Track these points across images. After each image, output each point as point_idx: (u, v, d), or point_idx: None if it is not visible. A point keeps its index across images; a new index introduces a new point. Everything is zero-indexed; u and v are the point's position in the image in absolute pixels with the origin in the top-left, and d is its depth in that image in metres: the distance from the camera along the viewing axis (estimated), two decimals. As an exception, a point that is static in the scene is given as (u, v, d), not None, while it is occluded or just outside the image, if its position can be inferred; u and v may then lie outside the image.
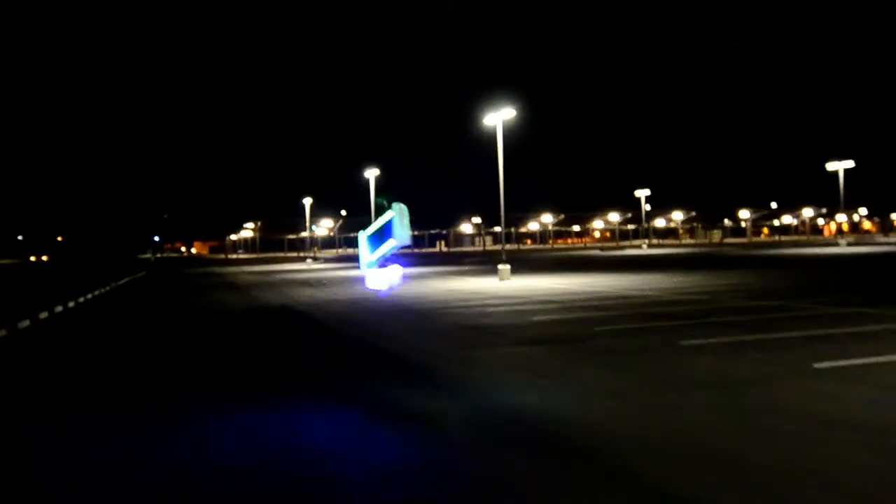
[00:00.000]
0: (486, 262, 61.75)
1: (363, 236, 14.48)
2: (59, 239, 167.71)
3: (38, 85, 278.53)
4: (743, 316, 18.47)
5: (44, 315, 23.53)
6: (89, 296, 33.31)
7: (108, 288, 40.30)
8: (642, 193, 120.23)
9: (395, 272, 12.90)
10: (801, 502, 6.11)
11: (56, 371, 13.92)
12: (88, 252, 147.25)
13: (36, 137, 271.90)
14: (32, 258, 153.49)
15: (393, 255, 12.62)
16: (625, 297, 24.74)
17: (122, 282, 48.00)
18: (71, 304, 28.30)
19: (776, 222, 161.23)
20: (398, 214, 13.23)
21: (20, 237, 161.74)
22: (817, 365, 11.44)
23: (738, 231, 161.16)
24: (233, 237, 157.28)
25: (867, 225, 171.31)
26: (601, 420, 8.75)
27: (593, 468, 7.04)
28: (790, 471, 6.80)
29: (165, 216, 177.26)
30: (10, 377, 13.53)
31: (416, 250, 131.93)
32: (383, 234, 12.70)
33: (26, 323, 21.07)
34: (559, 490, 6.50)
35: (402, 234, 12.63)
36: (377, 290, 13.07)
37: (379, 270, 13.05)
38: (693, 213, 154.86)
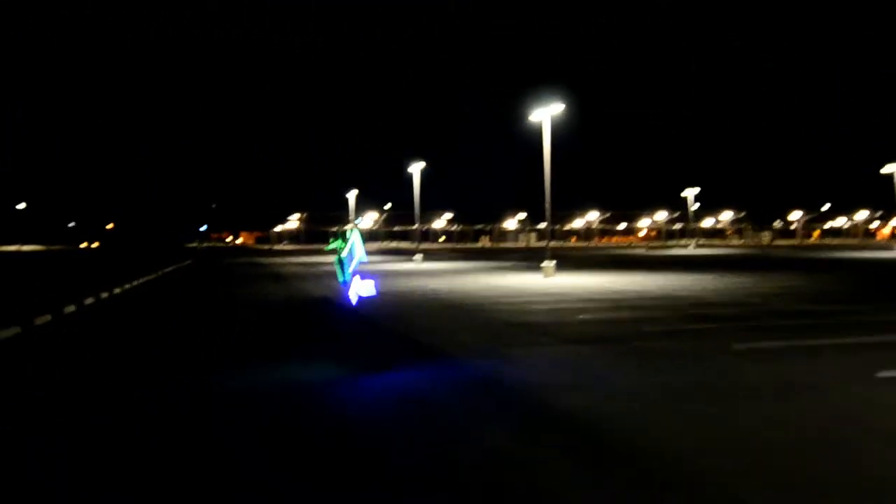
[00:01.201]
0: (529, 259, 61.26)
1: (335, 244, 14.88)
2: (110, 227, 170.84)
3: (92, 71, 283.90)
4: (797, 320, 17.86)
5: (90, 301, 23.73)
6: (135, 283, 33.64)
7: (154, 276, 40.72)
8: (690, 192, 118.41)
9: (369, 287, 13.67)
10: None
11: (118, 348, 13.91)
12: (137, 240, 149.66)
13: (89, 125, 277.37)
14: (83, 245, 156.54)
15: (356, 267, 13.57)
16: (673, 298, 24.17)
17: (168, 270, 48.53)
18: (117, 291, 28.56)
19: (828, 224, 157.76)
20: (359, 237, 14.09)
21: (71, 224, 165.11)
22: (880, 374, 10.89)
23: (788, 233, 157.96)
24: (278, 228, 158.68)
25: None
26: (652, 425, 8.36)
27: (639, 470, 6.69)
28: (848, 482, 6.39)
29: (213, 206, 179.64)
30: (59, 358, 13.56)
31: (458, 245, 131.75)
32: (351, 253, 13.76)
33: (72, 308, 21.25)
34: (595, 494, 6.16)
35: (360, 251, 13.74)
36: (364, 297, 13.70)
37: (354, 284, 13.91)
38: (742, 214, 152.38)
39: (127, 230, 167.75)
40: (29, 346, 15.18)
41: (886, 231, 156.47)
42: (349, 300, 13.74)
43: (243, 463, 7.29)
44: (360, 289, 13.88)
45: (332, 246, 13.68)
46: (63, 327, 18.07)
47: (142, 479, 6.85)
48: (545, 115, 38.28)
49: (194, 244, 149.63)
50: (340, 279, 14.34)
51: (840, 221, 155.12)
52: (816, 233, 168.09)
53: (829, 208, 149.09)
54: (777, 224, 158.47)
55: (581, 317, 19.03)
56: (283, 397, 10.17)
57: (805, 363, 12.05)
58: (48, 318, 18.83)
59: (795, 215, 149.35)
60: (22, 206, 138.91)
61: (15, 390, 10.98)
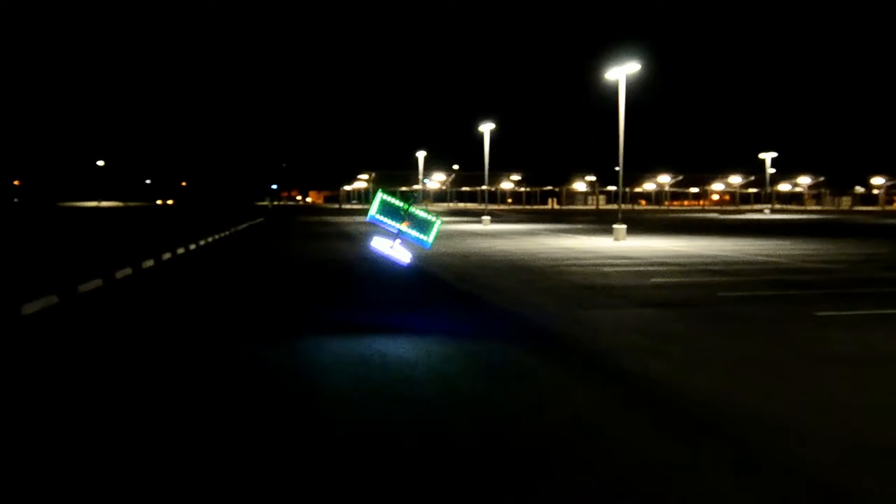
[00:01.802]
0: (599, 222, 60.50)
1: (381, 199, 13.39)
2: (184, 184, 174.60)
3: (164, 29, 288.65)
4: (882, 288, 17.20)
5: (167, 256, 24.27)
6: (210, 239, 34.30)
7: (227, 233, 41.47)
8: (767, 156, 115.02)
9: (404, 255, 12.74)
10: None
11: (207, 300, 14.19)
12: (210, 198, 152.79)
13: (165, 84, 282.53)
14: (159, 202, 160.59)
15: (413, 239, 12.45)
16: (749, 263, 23.53)
17: (241, 227, 49.36)
18: (192, 247, 29.15)
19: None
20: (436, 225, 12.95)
21: (148, 181, 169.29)
22: (976, 345, 10.40)
23: (869, 198, 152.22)
24: (346, 187, 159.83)
25: None
26: (731, 393, 8.12)
27: (719, 442, 6.49)
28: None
29: (284, 165, 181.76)
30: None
31: (526, 207, 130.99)
32: (421, 225, 12.40)
33: (150, 263, 21.76)
34: (696, 479, 5.99)
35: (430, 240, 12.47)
36: (404, 265, 12.95)
37: (391, 241, 12.84)
38: (821, 179, 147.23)
39: (200, 188, 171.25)
40: (112, 296, 15.58)
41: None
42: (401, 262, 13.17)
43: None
44: (392, 251, 13.21)
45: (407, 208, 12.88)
46: (140, 281, 18.51)
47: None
48: (621, 74, 37.38)
49: (265, 202, 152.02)
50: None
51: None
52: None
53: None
54: (858, 189, 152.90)
55: (654, 280, 18.68)
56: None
57: (891, 332, 11.57)
58: (129, 271, 19.31)
59: (877, 181, 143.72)
60: (101, 163, 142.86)
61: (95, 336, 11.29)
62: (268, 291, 17.17)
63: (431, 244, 12.76)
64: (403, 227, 12.35)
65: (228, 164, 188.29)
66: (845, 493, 5.51)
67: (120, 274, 18.60)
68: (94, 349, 10.54)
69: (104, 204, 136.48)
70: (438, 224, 12.44)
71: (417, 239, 12.37)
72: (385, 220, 12.35)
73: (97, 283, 16.77)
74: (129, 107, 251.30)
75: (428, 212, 12.95)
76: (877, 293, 16.26)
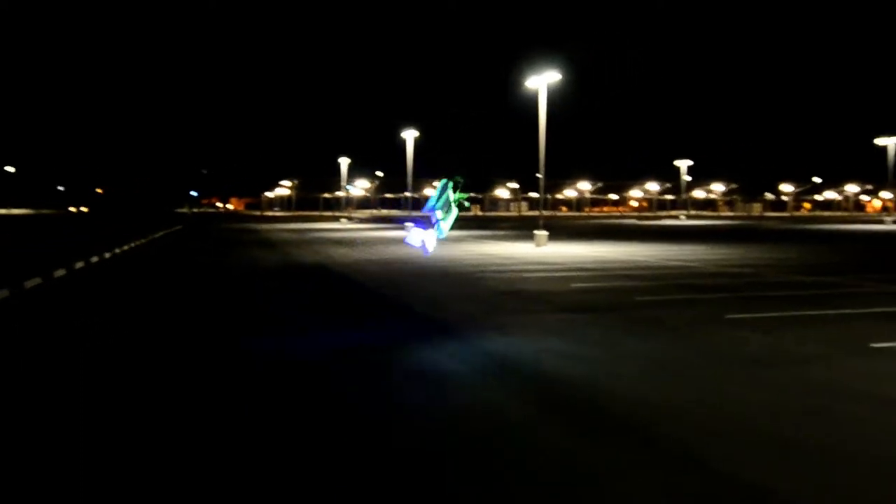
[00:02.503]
0: (521, 228, 61.23)
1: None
2: (99, 191, 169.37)
3: (80, 33, 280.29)
4: (789, 291, 17.89)
5: (80, 265, 23.55)
6: (125, 248, 33.41)
7: (143, 241, 40.47)
8: (683, 163, 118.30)
9: (431, 237, 13.23)
10: (845, 482, 5.71)
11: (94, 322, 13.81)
12: (127, 205, 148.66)
13: (78, 88, 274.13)
14: (72, 209, 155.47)
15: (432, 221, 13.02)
16: (665, 268, 24.19)
17: (158, 235, 48.24)
18: (107, 255, 28.35)
19: (818, 197, 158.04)
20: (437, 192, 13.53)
21: (61, 188, 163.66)
22: (875, 344, 10.93)
23: (778, 205, 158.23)
24: (269, 194, 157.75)
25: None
26: (646, 394, 8.36)
27: (635, 442, 6.69)
28: (840, 450, 6.41)
29: (204, 171, 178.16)
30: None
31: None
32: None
33: (62, 272, 21.08)
34: (616, 473, 6.15)
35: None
36: (416, 248, 13.40)
37: (418, 231, 13.39)
38: (733, 186, 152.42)
39: (116, 195, 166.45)
40: (18, 307, 15.05)
41: (877, 204, 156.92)
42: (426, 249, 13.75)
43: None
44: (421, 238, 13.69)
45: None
46: (52, 290, 17.92)
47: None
48: (541, 83, 37.98)
49: (184, 209, 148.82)
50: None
51: (830, 194, 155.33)
52: (807, 205, 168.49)
53: (820, 181, 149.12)
54: (768, 196, 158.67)
55: (574, 285, 19.03)
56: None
57: (798, 334, 12.06)
58: (38, 280, 18.68)
59: (786, 188, 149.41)
60: (11, 169, 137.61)
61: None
62: (181, 302, 16.84)
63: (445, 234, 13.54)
64: (440, 215, 13.05)
65: (146, 171, 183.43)
66: (738, 482, 5.77)
67: (29, 284, 17.97)
68: None
69: (14, 211, 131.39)
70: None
71: (440, 230, 13.16)
72: (437, 212, 13.04)
73: (4, 293, 16.18)
74: (40, 111, 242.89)
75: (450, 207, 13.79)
76: (785, 296, 16.91)
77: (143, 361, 10.26)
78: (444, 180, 13.70)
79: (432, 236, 13.71)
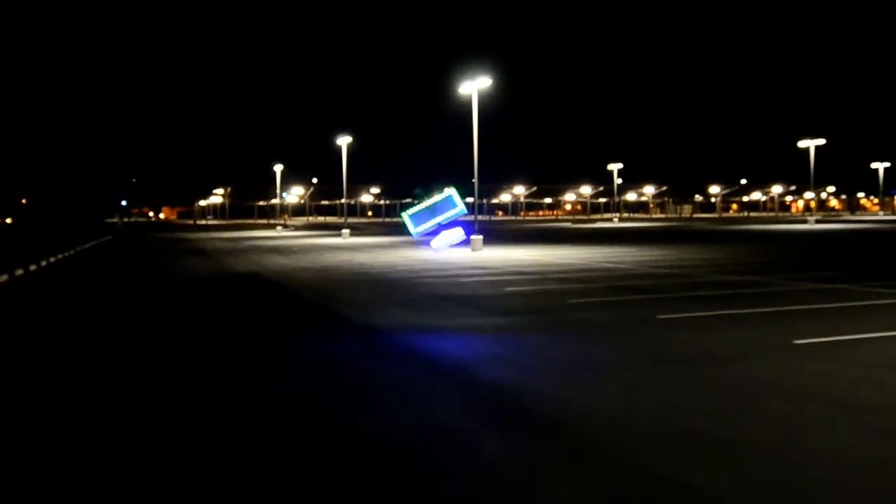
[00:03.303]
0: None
1: (406, 215, 18.39)
2: (24, 201, 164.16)
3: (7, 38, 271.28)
4: (717, 290, 18.30)
5: (3, 278, 22.77)
6: (52, 259, 32.42)
7: (73, 251, 39.37)
8: (614, 167, 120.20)
9: (458, 233, 16.45)
10: (770, 479, 5.84)
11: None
12: (53, 215, 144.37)
13: (4, 96, 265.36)
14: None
15: (450, 222, 16.22)
16: (598, 270, 24.52)
17: (88, 245, 47.00)
18: (33, 268, 27.47)
19: (745, 198, 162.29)
20: (455, 194, 17.19)
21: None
22: (797, 341, 11.24)
23: (708, 206, 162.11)
24: (202, 203, 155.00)
25: (834, 203, 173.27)
26: (574, 394, 8.43)
27: (562, 443, 6.73)
28: (765, 448, 6.52)
29: (133, 180, 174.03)
30: None
31: (386, 220, 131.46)
32: (437, 208, 16.87)
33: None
34: (545, 478, 6.18)
35: (461, 205, 16.62)
36: (440, 249, 15.98)
37: (442, 233, 16.89)
38: (664, 188, 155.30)
39: (42, 205, 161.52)
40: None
41: (800, 205, 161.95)
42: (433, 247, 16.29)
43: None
44: (448, 238, 17.14)
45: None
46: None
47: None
48: (473, 88, 38.19)
49: (115, 219, 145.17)
50: (416, 233, 16.99)
51: (757, 195, 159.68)
52: (734, 206, 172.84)
53: (747, 183, 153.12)
54: (697, 198, 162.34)
55: (508, 289, 19.14)
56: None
57: (726, 332, 12.34)
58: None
59: (715, 189, 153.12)
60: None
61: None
62: (111, 313, 16.42)
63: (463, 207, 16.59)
64: (439, 219, 15.80)
65: (73, 180, 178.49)
66: (664, 480, 5.83)
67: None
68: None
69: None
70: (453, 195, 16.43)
71: (454, 216, 16.28)
72: (428, 226, 15.95)
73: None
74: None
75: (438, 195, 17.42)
76: (713, 295, 17.29)
77: (65, 372, 9.96)
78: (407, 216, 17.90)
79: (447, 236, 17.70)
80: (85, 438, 7.20)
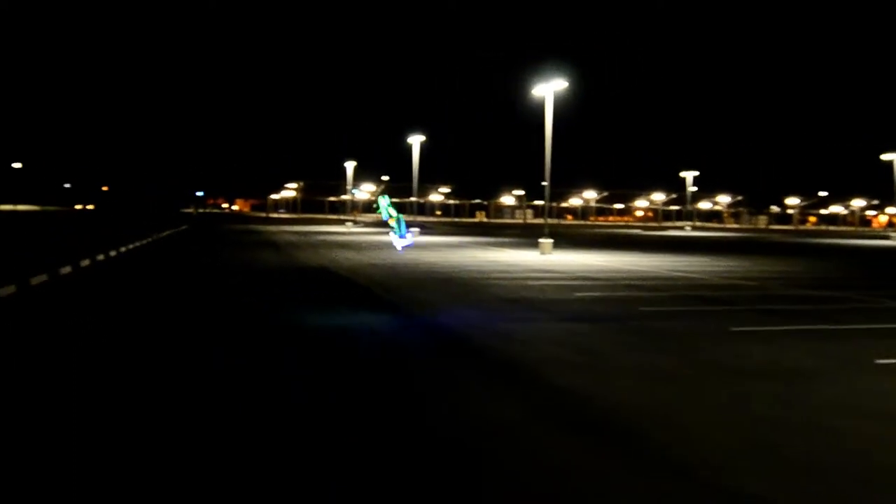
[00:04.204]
0: (526, 236, 61.15)
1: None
2: (105, 189, 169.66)
3: (93, 34, 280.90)
4: (793, 304, 17.82)
5: (86, 262, 23.55)
6: (130, 246, 33.40)
7: (148, 240, 40.51)
8: (689, 174, 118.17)
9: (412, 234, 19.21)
10: (841, 498, 5.66)
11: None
12: (132, 203, 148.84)
13: (87, 86, 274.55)
14: (78, 206, 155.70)
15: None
16: (669, 279, 24.13)
17: (164, 234, 48.29)
18: (112, 254, 28.34)
19: (824, 211, 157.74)
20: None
21: (67, 185, 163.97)
22: (880, 360, 10.86)
23: (784, 218, 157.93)
24: (274, 196, 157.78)
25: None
26: (647, 405, 8.31)
27: (629, 449, 6.64)
28: (837, 465, 6.35)
29: (210, 172, 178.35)
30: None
31: (455, 220, 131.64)
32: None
33: (67, 269, 21.09)
34: (601, 477, 6.11)
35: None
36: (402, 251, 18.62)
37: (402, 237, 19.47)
38: (739, 198, 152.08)
39: (122, 193, 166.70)
40: (24, 304, 15.05)
41: (883, 220, 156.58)
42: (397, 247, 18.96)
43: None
44: (401, 241, 19.10)
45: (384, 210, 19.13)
46: (58, 287, 17.93)
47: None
48: (548, 90, 37.99)
49: (190, 209, 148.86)
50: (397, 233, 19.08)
51: (836, 209, 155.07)
52: (812, 219, 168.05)
53: (826, 195, 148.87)
54: (774, 209, 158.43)
55: (577, 295, 18.98)
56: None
57: (803, 348, 12.00)
58: (45, 277, 18.68)
59: (792, 201, 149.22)
60: (17, 165, 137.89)
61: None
62: (183, 302, 16.83)
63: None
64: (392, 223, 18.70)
65: (153, 170, 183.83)
66: (732, 493, 5.73)
67: (35, 280, 17.97)
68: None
69: (20, 207, 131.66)
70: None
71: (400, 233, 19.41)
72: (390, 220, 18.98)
73: (10, 289, 16.19)
74: (48, 107, 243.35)
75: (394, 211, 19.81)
76: (788, 310, 16.85)
77: (145, 356, 10.26)
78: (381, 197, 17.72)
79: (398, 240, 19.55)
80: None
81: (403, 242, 19.22)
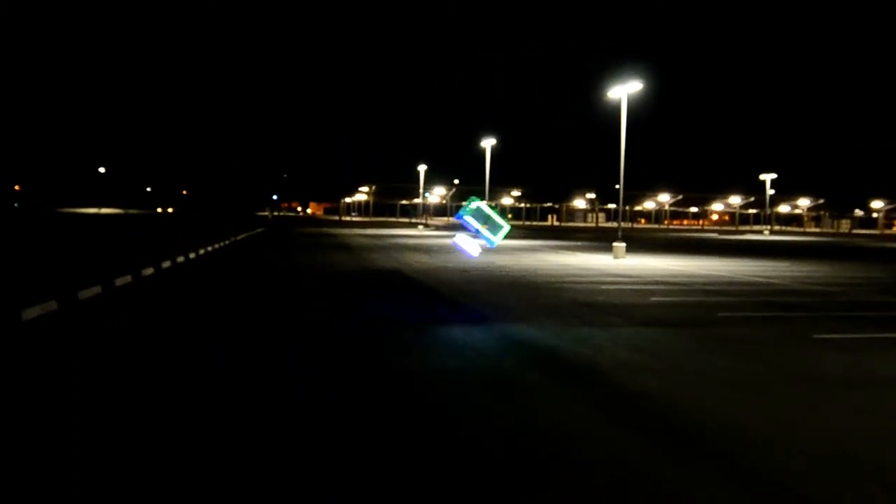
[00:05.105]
0: (598, 239, 60.54)
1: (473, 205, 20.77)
2: (185, 192, 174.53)
3: (168, 36, 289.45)
4: (879, 312, 17.25)
5: (167, 264, 24.26)
6: (209, 248, 34.26)
7: (227, 242, 41.47)
8: (767, 177, 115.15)
9: (476, 246, 18.87)
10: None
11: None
12: (210, 206, 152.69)
13: (170, 94, 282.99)
14: (159, 210, 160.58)
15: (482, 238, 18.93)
16: (748, 284, 23.58)
17: (240, 237, 49.36)
18: (192, 256, 29.12)
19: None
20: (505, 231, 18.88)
21: (148, 189, 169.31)
22: (973, 371, 10.43)
23: (868, 222, 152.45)
24: (347, 199, 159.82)
25: None
26: (722, 410, 8.15)
27: (708, 458, 6.53)
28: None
29: (285, 175, 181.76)
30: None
31: (526, 223, 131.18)
32: (490, 225, 19.66)
33: (150, 271, 21.77)
34: (679, 485, 6.03)
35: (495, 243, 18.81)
36: (473, 256, 19.35)
37: (470, 239, 19.04)
38: (820, 201, 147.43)
39: (200, 196, 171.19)
40: (109, 304, 15.59)
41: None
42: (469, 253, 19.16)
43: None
44: (472, 244, 18.95)
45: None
46: (140, 287, 18.51)
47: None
48: (623, 92, 37.53)
49: (265, 212, 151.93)
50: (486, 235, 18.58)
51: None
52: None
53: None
54: (857, 213, 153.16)
55: (653, 299, 18.71)
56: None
57: (887, 356, 11.60)
58: (129, 279, 19.31)
59: (877, 204, 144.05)
60: (102, 169, 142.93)
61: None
62: (262, 304, 17.18)
63: (496, 244, 18.39)
64: (482, 228, 18.05)
65: (229, 174, 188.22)
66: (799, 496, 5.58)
67: (120, 281, 18.61)
68: (93, 353, 10.57)
69: (104, 210, 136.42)
70: (507, 229, 18.48)
71: (488, 239, 17.79)
72: (472, 220, 18.17)
73: (97, 290, 16.79)
74: (131, 113, 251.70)
75: (504, 218, 18.92)
76: (874, 317, 16.30)
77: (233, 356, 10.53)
78: (471, 199, 18.74)
79: (475, 243, 18.78)
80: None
81: (476, 247, 18.90)
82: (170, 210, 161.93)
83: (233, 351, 11.24)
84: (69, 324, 12.96)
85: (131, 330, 12.72)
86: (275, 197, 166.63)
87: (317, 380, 9.45)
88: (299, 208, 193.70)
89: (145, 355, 10.77)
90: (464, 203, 19.96)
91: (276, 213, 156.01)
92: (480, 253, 19.62)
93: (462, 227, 19.30)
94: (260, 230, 65.34)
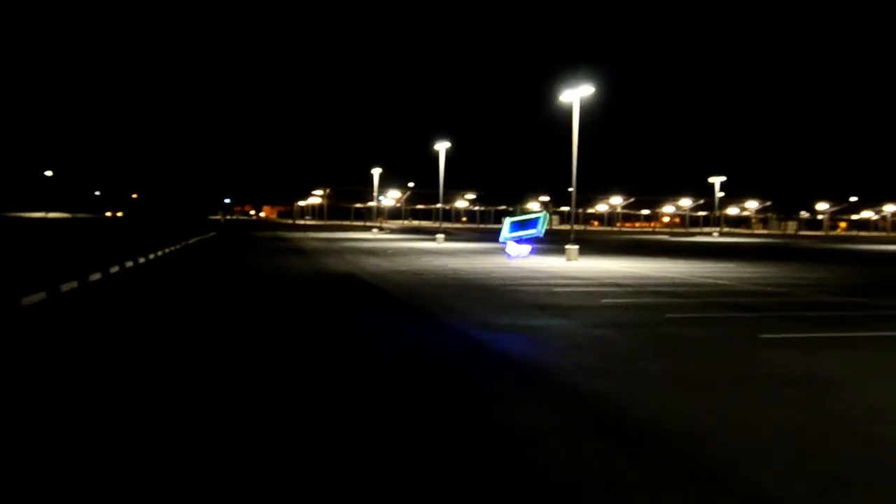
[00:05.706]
0: (552, 242, 61.05)
1: (508, 220, 23.56)
2: (134, 196, 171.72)
3: (116, 39, 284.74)
4: (823, 311, 17.62)
5: (115, 269, 23.82)
6: (160, 253, 33.73)
7: (177, 247, 40.89)
8: (716, 180, 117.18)
9: (526, 249, 21.41)
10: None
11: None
12: (161, 210, 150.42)
13: (115, 95, 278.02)
14: (108, 214, 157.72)
15: (526, 238, 21.63)
16: (697, 285, 23.95)
17: (192, 241, 48.71)
18: (141, 261, 28.63)
19: (855, 217, 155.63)
20: (544, 218, 22.42)
21: (97, 193, 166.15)
22: (911, 369, 10.71)
23: (813, 224, 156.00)
24: (301, 203, 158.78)
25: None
26: (672, 414, 8.25)
27: (654, 456, 6.61)
28: (873, 476, 6.27)
29: (237, 179, 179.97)
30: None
31: (480, 226, 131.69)
32: (527, 224, 22.09)
33: (97, 276, 21.35)
34: (622, 480, 6.08)
35: (542, 230, 22.51)
36: (513, 257, 20.43)
37: (516, 244, 21.86)
38: (768, 203, 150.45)
39: (151, 200, 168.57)
40: (55, 309, 15.26)
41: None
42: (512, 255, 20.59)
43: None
44: (519, 249, 20.79)
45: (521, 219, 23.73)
46: (87, 293, 18.16)
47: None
48: (575, 96, 37.87)
49: (217, 216, 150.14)
50: (503, 238, 20.98)
51: (868, 214, 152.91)
52: (843, 224, 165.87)
53: (857, 200, 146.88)
54: (803, 215, 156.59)
55: (604, 301, 18.90)
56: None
57: (833, 356, 11.86)
58: (74, 284, 18.92)
59: (822, 206, 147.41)
60: (49, 173, 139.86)
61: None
62: (211, 306, 16.97)
63: (543, 232, 20.15)
64: (524, 233, 21.14)
65: (180, 178, 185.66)
66: (754, 495, 5.68)
67: (66, 287, 18.21)
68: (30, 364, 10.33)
69: (51, 215, 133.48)
70: (545, 216, 20.06)
71: (531, 235, 22.09)
72: (516, 234, 21.46)
73: (41, 296, 16.41)
74: (78, 115, 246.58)
75: (533, 211, 21.77)
76: (819, 316, 16.66)
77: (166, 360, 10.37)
78: (504, 218, 23.08)
79: (523, 248, 20.71)
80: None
81: (524, 250, 20.80)
82: (119, 214, 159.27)
83: (176, 357, 11.06)
84: (11, 331, 12.65)
85: (74, 336, 12.45)
86: (227, 200, 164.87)
87: (272, 379, 9.35)
88: (252, 212, 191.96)
89: (82, 363, 10.54)
90: (502, 222, 22.54)
91: (228, 217, 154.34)
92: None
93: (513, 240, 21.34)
94: (212, 234, 64.61)
